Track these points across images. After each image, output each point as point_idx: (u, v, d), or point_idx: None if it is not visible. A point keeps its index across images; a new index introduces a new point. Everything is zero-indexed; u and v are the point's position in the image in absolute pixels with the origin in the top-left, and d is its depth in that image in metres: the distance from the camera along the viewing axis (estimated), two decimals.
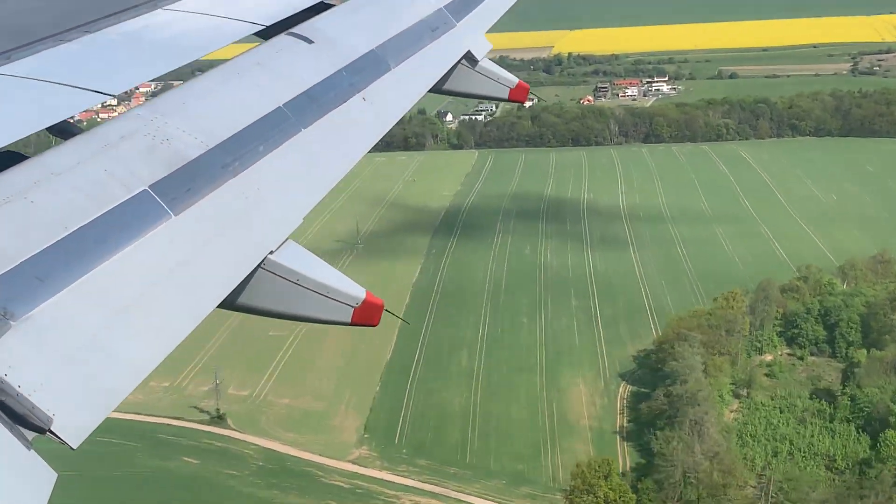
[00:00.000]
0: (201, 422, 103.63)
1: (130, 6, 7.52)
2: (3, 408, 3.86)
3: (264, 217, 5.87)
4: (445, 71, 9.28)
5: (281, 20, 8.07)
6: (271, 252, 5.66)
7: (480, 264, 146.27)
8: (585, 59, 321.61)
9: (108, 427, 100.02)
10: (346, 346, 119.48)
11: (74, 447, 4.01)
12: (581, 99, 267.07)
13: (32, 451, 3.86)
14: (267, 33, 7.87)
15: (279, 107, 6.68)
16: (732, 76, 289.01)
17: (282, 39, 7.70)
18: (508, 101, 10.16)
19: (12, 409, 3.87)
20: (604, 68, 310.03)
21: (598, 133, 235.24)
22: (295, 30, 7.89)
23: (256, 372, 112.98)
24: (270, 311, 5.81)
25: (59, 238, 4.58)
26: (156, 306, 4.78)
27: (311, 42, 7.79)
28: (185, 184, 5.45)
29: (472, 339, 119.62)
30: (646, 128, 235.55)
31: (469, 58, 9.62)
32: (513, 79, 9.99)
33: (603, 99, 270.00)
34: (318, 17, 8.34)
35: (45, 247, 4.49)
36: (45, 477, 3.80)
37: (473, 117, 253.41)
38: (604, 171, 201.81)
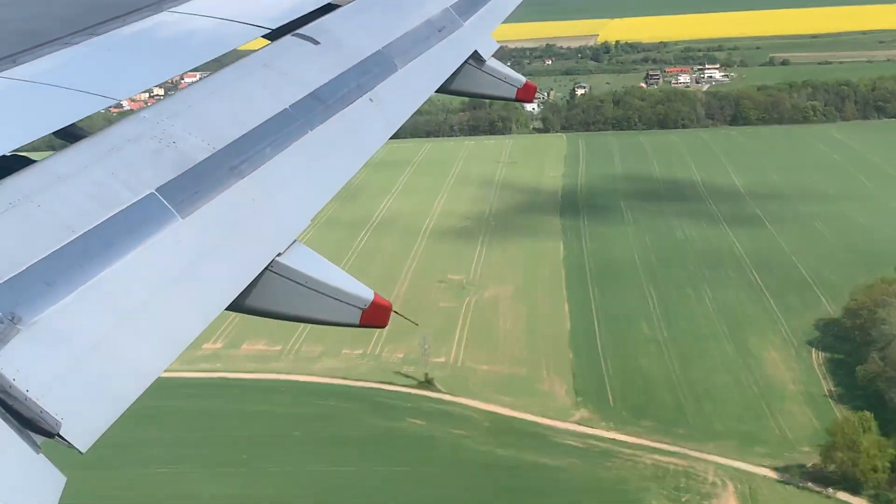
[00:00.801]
0: (410, 386, 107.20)
1: (136, 8, 7.52)
2: (11, 412, 3.88)
3: (272, 219, 5.90)
4: (452, 71, 9.32)
5: (287, 23, 8.06)
6: (279, 254, 5.70)
7: (620, 241, 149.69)
8: (633, 46, 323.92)
9: (325, 391, 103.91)
10: (519, 318, 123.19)
11: (83, 451, 4.03)
12: (637, 84, 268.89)
13: (41, 454, 3.88)
14: (273, 36, 7.88)
15: (286, 108, 6.74)
16: (784, 63, 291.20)
17: (288, 40, 7.77)
18: (515, 100, 10.11)
19: (21, 413, 3.90)
20: (652, 56, 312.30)
21: (684, 116, 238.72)
22: (301, 31, 7.95)
23: (443, 341, 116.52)
24: (278, 314, 5.86)
25: (66, 242, 4.61)
26: (163, 310, 4.81)
27: (317, 43, 7.84)
28: (192, 186, 5.50)
29: (643, 309, 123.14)
30: (731, 110, 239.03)
31: (476, 57, 9.69)
32: (520, 78, 10.05)
33: (655, 86, 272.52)
34: (324, 18, 8.35)
35: (52, 251, 4.51)
36: (53, 481, 3.82)
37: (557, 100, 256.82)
38: (703, 153, 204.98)
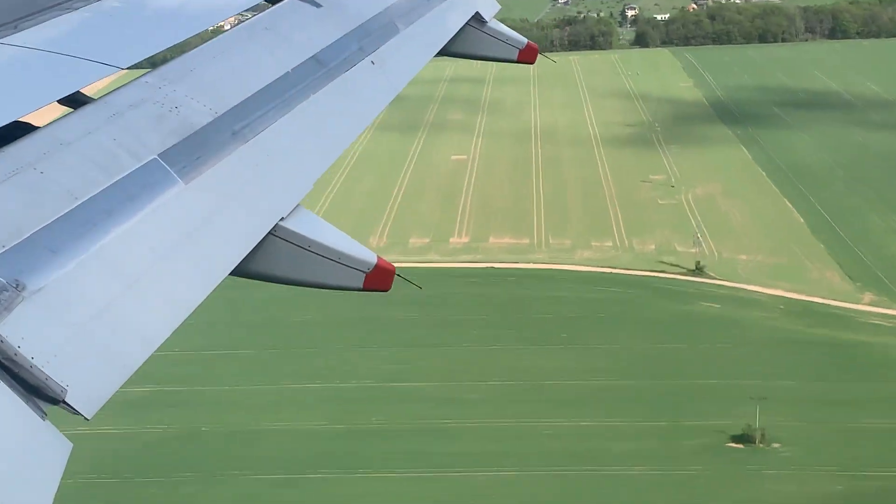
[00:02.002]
0: (681, 274, 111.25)
1: None
2: (17, 379, 3.89)
3: (275, 183, 5.93)
4: (454, 32, 9.37)
5: None
6: (282, 219, 5.75)
7: (801, 146, 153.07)
8: None
9: (599, 279, 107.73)
10: (746, 213, 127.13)
11: (89, 417, 4.06)
12: (687, 6, 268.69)
13: (47, 421, 3.89)
14: (275, 2, 7.89)
15: (288, 72, 6.76)
16: None
17: (289, 4, 7.78)
18: (517, 62, 10.09)
19: (26, 380, 3.90)
20: None
21: (784, 29, 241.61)
22: None
23: (687, 233, 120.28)
24: (281, 278, 5.90)
25: (70, 209, 4.61)
26: (167, 275, 4.86)
27: (318, 6, 7.86)
28: (195, 151, 5.52)
29: (865, 204, 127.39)
30: (829, 24, 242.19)
31: (477, 19, 9.70)
32: (522, 39, 10.03)
33: (707, 5, 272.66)
34: None
35: (55, 218, 4.51)
36: (60, 447, 3.84)
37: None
38: (821, 64, 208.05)
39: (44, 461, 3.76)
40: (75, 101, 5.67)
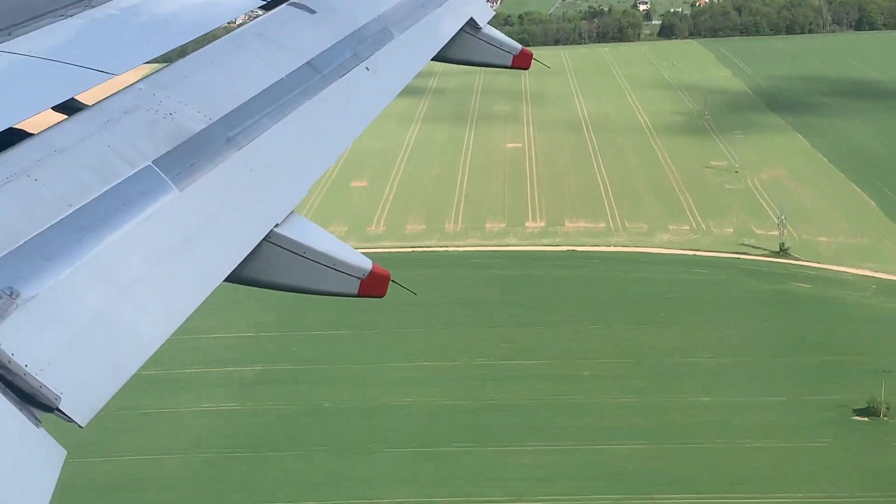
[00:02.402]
0: (765, 255, 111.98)
1: None
2: (11, 387, 3.86)
3: (269, 190, 5.90)
4: (449, 38, 9.36)
5: None
6: (277, 225, 5.72)
7: (858, 133, 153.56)
8: None
9: (683, 261, 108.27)
10: (815, 197, 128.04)
11: (83, 425, 4.02)
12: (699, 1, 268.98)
13: (41, 429, 3.87)
14: (270, 8, 7.90)
15: (282, 78, 6.74)
16: None
17: (283, 10, 7.76)
18: (511, 67, 10.02)
19: (20, 388, 3.88)
20: None
21: (811, 20, 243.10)
22: (297, 0, 7.90)
23: (763, 216, 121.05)
24: (277, 284, 5.87)
25: (64, 216, 4.60)
26: (162, 282, 4.84)
27: (313, 12, 7.82)
28: (189, 158, 5.51)
29: None
30: (856, 15, 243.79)
31: (472, 25, 9.69)
32: (516, 45, 9.99)
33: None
34: None
35: (49, 225, 4.50)
36: (54, 455, 3.81)
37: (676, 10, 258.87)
38: (855, 54, 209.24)
39: (38, 468, 3.74)
40: (70, 107, 5.68)
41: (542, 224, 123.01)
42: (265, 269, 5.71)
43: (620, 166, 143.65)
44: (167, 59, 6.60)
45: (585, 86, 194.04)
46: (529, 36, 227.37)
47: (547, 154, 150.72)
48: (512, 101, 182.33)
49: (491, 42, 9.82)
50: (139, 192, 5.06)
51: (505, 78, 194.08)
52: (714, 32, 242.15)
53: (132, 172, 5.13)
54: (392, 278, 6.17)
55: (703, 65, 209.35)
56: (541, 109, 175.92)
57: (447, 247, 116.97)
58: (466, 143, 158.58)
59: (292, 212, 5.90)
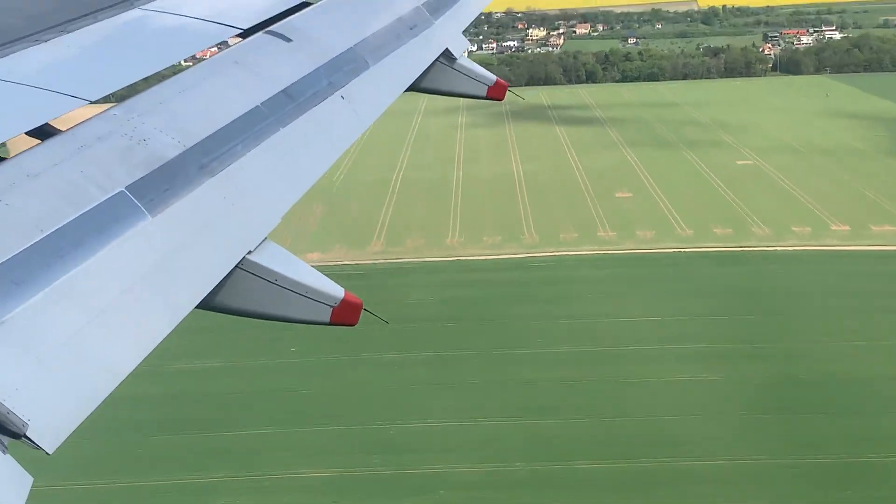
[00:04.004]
0: None
1: (106, 5, 7.30)
2: None
3: (242, 217, 5.76)
4: (424, 69, 9.20)
5: (261, 22, 7.87)
6: (249, 252, 5.57)
7: None
8: (741, 10, 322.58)
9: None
10: None
11: (50, 452, 3.93)
12: (761, 48, 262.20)
13: (8, 455, 3.77)
14: (246, 36, 7.68)
15: (257, 105, 6.57)
16: None
17: (259, 38, 7.59)
18: (487, 98, 9.88)
19: None
20: (763, 19, 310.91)
21: None
22: (273, 28, 7.78)
23: None
24: (248, 311, 5.67)
25: (35, 241, 4.51)
26: (133, 308, 4.67)
27: (289, 40, 7.69)
28: (163, 184, 5.34)
29: None
30: None
31: (447, 55, 9.56)
32: (490, 76, 9.87)
33: (778, 47, 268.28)
34: (296, 16, 8.21)
35: (20, 250, 4.41)
36: (21, 482, 3.73)
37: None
38: None
39: (4, 495, 3.68)
40: (44, 132, 5.64)
41: (652, 234, 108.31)
42: (237, 296, 5.60)
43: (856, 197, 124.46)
44: (143, 84, 6.48)
45: (766, 117, 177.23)
46: (660, 71, 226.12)
47: (784, 170, 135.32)
48: (705, 131, 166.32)
49: (466, 73, 9.76)
50: (111, 217, 4.97)
51: (673, 110, 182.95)
52: (839, 68, 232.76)
53: (105, 198, 5.03)
54: (364, 306, 6.02)
55: (858, 97, 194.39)
56: (746, 138, 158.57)
57: None
58: (694, 164, 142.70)
59: (266, 238, 5.79)
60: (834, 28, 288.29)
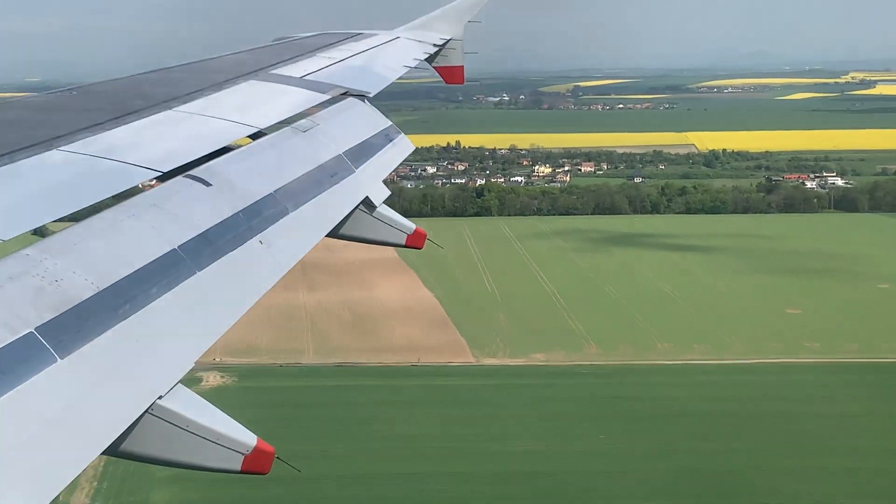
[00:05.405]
0: None
1: (25, 146, 7.15)
2: None
3: (154, 361, 5.59)
4: (343, 216, 9.26)
5: (180, 166, 7.70)
6: (160, 397, 5.37)
7: None
8: (740, 154, 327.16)
9: None
10: None
11: None
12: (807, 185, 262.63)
13: None
14: (165, 179, 7.56)
15: (174, 248, 6.42)
16: None
17: (179, 181, 7.48)
18: (406, 247, 9.99)
19: None
20: (763, 163, 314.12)
21: None
22: (192, 172, 7.67)
23: None
24: (156, 459, 5.50)
25: None
26: (38, 454, 4.49)
27: (208, 185, 7.57)
28: (74, 326, 5.17)
29: None
30: None
31: (367, 203, 9.64)
32: (410, 225, 9.99)
33: (823, 189, 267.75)
34: (216, 161, 8.06)
35: None
36: None
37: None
38: None
39: None
40: None
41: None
42: (145, 442, 5.35)
43: None
44: (58, 225, 6.43)
45: (865, 247, 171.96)
46: (721, 204, 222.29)
47: None
48: (824, 260, 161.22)
49: (385, 221, 9.81)
50: (19, 359, 4.72)
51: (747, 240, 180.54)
52: (892, 207, 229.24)
53: (13, 339, 4.78)
54: (276, 454, 5.82)
55: None
56: (868, 264, 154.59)
57: None
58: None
59: (178, 384, 5.56)
60: (835, 174, 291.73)
